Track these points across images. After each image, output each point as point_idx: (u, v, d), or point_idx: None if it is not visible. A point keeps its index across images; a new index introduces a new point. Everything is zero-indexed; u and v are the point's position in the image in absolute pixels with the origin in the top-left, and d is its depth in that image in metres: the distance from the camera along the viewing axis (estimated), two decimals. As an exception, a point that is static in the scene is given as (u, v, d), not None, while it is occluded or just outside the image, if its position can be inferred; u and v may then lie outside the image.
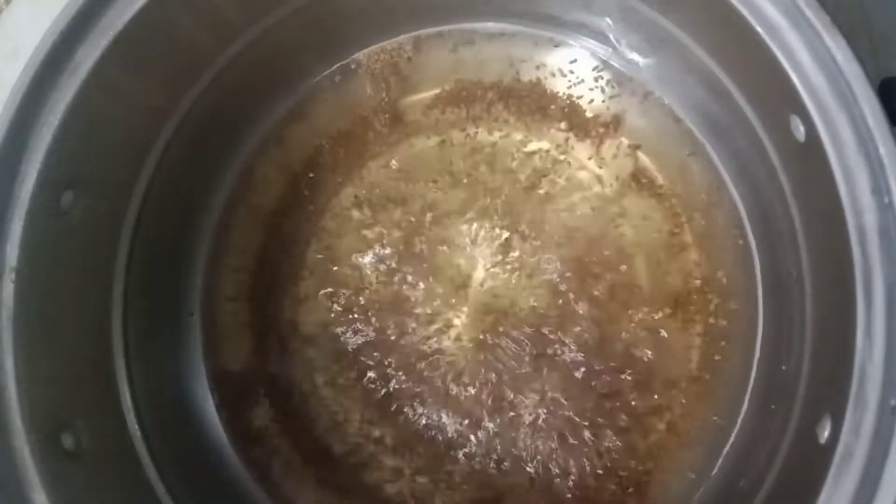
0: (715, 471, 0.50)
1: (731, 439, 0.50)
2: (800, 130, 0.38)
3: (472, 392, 0.53)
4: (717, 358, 0.53)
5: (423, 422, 0.53)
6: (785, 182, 0.43)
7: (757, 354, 0.50)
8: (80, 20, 0.39)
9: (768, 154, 0.44)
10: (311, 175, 0.57)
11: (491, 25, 0.56)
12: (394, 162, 0.57)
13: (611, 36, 0.53)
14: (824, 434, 0.35)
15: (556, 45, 0.56)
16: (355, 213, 0.56)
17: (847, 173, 0.35)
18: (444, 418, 0.53)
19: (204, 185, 0.55)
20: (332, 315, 0.55)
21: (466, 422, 0.53)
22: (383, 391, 0.54)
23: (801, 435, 0.40)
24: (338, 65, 0.57)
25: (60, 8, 0.38)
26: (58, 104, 0.40)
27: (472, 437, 0.53)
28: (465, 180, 0.56)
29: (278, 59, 0.53)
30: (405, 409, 0.53)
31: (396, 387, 0.54)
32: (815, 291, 0.42)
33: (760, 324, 0.50)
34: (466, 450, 0.53)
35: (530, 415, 0.52)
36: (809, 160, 0.37)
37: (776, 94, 0.39)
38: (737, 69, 0.44)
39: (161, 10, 0.41)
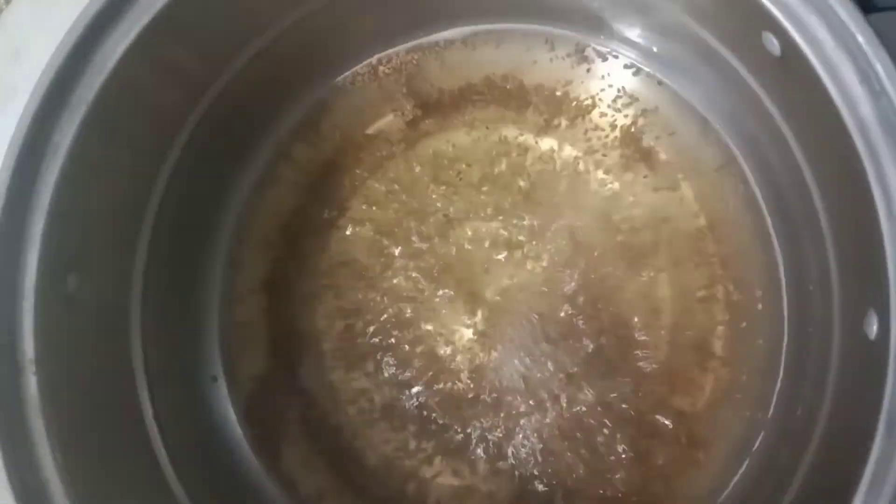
0: (771, 412, 0.50)
1: (781, 374, 0.49)
2: (774, 44, 0.38)
3: (495, 395, 0.53)
4: (740, 299, 0.52)
5: (445, 426, 0.53)
6: (770, 104, 0.43)
7: (783, 286, 0.50)
8: (56, 87, 0.39)
9: (745, 80, 0.44)
10: (321, 190, 0.57)
11: (492, 27, 0.57)
12: (406, 165, 0.57)
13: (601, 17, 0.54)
14: (873, 330, 0.35)
15: (547, 41, 0.57)
16: (368, 222, 0.56)
17: (832, 71, 0.35)
18: (469, 423, 0.53)
19: (210, 218, 0.55)
20: (351, 323, 0.54)
21: (493, 425, 0.52)
22: (404, 397, 0.53)
23: (849, 340, 0.40)
24: (348, 72, 0.57)
25: (60, 8, 0.38)
26: (46, 185, 0.39)
27: (505, 444, 0.52)
28: (479, 180, 0.56)
29: (282, 72, 0.53)
30: (426, 414, 0.53)
31: (417, 390, 0.53)
32: (824, 198, 0.42)
33: (779, 254, 0.50)
34: (502, 462, 0.52)
35: (559, 408, 0.52)
36: (791, 72, 0.38)
37: (742, 17, 0.39)
38: (697, 3, 0.45)
39: (136, 69, 0.41)
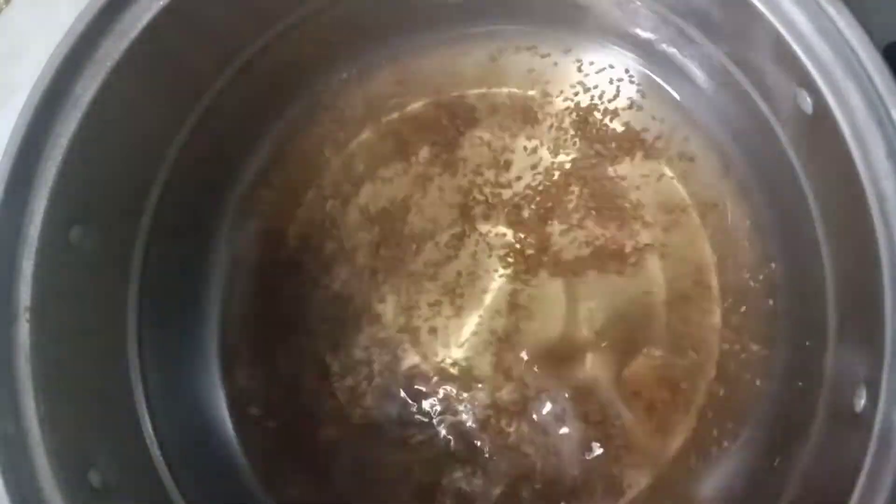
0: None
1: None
2: (807, 103, 0.37)
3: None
4: (734, 346, 0.52)
5: (447, 442, 0.53)
6: (794, 158, 0.43)
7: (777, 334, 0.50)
8: (80, 46, 0.39)
9: (774, 131, 0.44)
10: (322, 184, 0.57)
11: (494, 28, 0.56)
12: (407, 170, 0.56)
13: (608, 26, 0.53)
14: (860, 403, 0.35)
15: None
16: (368, 223, 0.56)
17: (860, 140, 0.34)
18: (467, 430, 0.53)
19: (213, 200, 0.55)
20: (352, 324, 0.54)
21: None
22: (408, 408, 0.53)
23: (834, 409, 0.40)
24: (351, 71, 0.57)
25: (59, 7, 0.38)
26: (60, 138, 0.39)
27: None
28: (479, 187, 0.56)
29: (285, 69, 0.53)
30: (428, 428, 0.53)
31: (422, 399, 0.53)
32: (834, 263, 0.41)
33: (779, 303, 0.50)
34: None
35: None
36: (819, 132, 0.37)
37: (779, 69, 0.38)
38: (736, 47, 0.44)
39: (158, 38, 0.41)
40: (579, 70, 0.56)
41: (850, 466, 0.34)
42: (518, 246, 0.54)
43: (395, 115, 0.57)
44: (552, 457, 0.51)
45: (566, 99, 0.56)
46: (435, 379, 0.53)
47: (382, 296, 0.55)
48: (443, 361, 0.53)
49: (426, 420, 0.53)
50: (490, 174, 0.56)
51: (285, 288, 0.55)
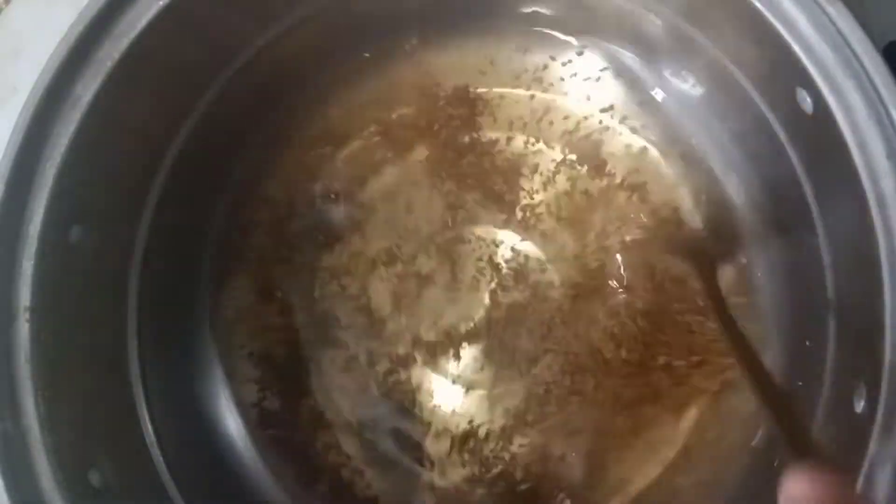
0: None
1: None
2: (807, 102, 0.37)
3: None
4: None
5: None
6: (794, 158, 0.43)
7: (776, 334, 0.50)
8: (80, 46, 0.39)
9: (775, 131, 0.44)
10: (324, 183, 0.56)
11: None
12: (408, 170, 0.56)
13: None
14: (860, 403, 0.35)
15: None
16: (370, 223, 0.56)
17: (860, 140, 0.35)
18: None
19: (211, 198, 0.55)
20: (352, 319, 0.55)
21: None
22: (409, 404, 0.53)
23: (834, 409, 0.40)
24: (353, 68, 0.56)
25: (59, 7, 0.38)
26: (60, 138, 0.39)
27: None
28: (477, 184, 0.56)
29: (285, 69, 0.53)
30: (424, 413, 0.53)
31: (418, 384, 0.53)
32: (834, 264, 0.41)
33: (778, 304, 0.50)
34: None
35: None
36: (819, 132, 0.37)
37: (779, 69, 0.38)
38: (736, 47, 0.44)
39: (159, 36, 0.41)
40: (574, 68, 0.56)
41: (851, 466, 0.34)
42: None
43: (394, 115, 0.57)
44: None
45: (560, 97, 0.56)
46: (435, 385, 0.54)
47: (380, 297, 0.55)
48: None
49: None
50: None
51: (285, 287, 0.55)
